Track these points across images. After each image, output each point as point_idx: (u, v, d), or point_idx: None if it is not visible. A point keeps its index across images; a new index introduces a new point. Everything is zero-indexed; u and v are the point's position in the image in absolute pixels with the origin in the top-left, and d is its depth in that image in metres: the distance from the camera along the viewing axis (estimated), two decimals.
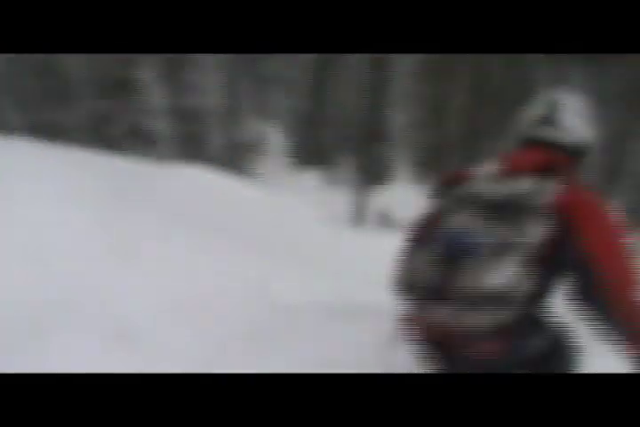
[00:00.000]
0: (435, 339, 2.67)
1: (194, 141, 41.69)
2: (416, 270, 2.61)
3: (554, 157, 2.67)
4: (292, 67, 41.56)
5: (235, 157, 41.26)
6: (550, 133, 2.84)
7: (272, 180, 41.91)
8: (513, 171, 2.58)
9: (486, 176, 2.65)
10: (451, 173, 3.09)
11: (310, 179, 48.57)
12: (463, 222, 2.48)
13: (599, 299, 2.33)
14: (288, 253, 9.07)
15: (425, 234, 2.76)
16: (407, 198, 42.80)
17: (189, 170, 15.80)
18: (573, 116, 2.87)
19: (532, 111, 3.01)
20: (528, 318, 2.52)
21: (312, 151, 51.20)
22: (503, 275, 2.27)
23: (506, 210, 2.38)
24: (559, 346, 2.77)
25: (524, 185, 2.44)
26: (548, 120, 2.87)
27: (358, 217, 33.72)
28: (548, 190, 2.39)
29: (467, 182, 2.70)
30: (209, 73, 43.70)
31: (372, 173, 48.91)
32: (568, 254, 2.42)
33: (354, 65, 45.71)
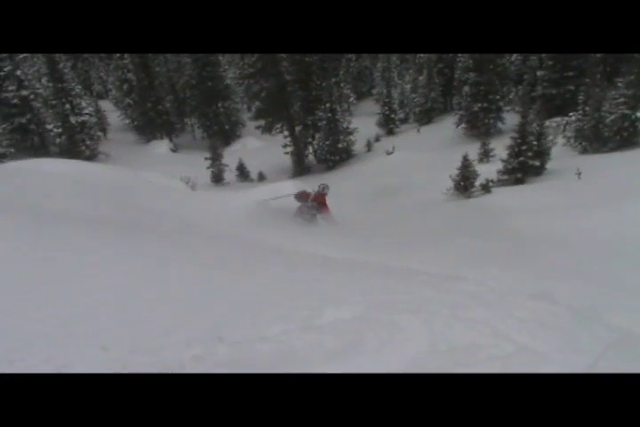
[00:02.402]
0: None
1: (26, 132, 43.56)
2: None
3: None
4: None
5: (73, 141, 44.16)
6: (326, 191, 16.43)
7: (121, 157, 42.13)
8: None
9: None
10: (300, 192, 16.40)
11: (159, 148, 48.44)
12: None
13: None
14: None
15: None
16: (256, 151, 41.75)
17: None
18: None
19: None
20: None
21: (153, 121, 54.87)
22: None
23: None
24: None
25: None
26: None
27: (217, 176, 39.15)
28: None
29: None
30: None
31: (219, 131, 48.22)
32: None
33: None
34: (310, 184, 23.30)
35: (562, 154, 25.92)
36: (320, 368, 3.74)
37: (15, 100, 43.23)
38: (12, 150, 38.83)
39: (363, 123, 46.68)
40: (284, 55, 43.30)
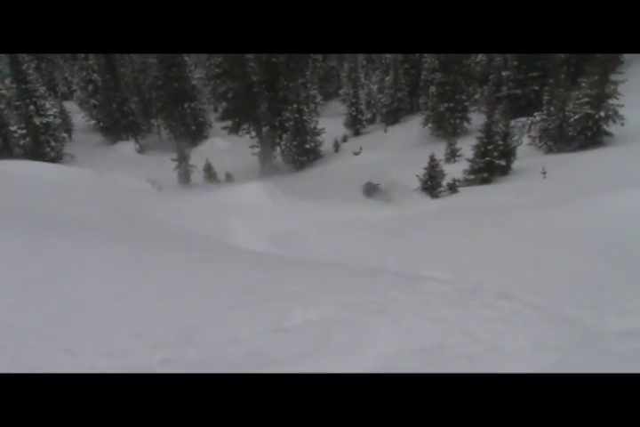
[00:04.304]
0: None
1: None
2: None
3: None
4: None
5: (37, 143, 43.77)
6: None
7: (87, 158, 42.37)
8: None
9: None
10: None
11: (125, 149, 49.99)
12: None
13: None
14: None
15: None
16: (224, 152, 42.12)
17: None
18: None
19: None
20: None
21: (119, 122, 54.79)
22: None
23: None
24: None
25: None
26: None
27: (184, 177, 38.67)
28: None
29: None
30: None
31: (186, 132, 50.55)
32: None
33: None
34: (279, 185, 23.33)
35: (527, 153, 26.18)
36: (290, 370, 3.73)
37: None
38: None
39: (330, 123, 46.72)
40: (250, 56, 43.25)
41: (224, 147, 51.16)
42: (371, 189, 24.61)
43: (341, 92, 59.82)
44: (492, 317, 5.13)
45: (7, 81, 47.40)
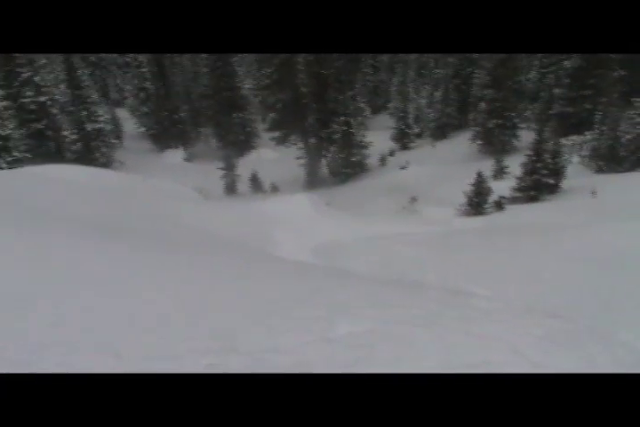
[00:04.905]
0: None
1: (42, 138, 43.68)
2: None
3: None
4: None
5: (88, 148, 44.59)
6: None
7: (135, 165, 42.17)
8: None
9: None
10: None
11: (173, 157, 51.03)
12: None
13: None
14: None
15: None
16: (270, 163, 41.72)
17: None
18: None
19: None
20: None
21: (168, 130, 55.43)
22: None
23: None
24: None
25: None
26: None
27: (230, 186, 39.19)
28: None
29: None
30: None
31: (234, 142, 52.53)
32: None
33: None
34: (324, 197, 23.39)
35: (577, 173, 25.84)
36: None
37: (32, 106, 43.47)
38: (29, 156, 38.96)
39: (377, 137, 46.71)
40: (301, 67, 43.52)
41: (271, 157, 51.49)
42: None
43: (390, 105, 59.84)
44: (540, 335, 5.04)
45: (62, 86, 48.40)
